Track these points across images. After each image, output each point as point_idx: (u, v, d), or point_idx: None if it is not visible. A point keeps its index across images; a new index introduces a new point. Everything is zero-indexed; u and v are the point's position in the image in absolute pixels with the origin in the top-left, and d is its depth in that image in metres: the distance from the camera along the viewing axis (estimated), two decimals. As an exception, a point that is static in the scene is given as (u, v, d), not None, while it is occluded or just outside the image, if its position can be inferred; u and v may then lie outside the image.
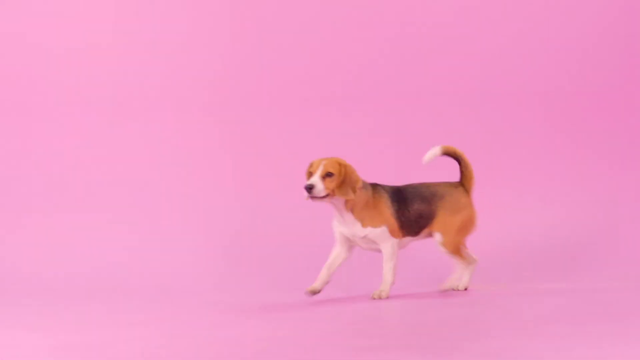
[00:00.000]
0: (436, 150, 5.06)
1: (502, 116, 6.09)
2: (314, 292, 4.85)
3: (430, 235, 5.01)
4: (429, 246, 5.27)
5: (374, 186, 4.88)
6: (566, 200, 6.00)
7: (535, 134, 6.09)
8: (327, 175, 4.73)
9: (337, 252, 4.92)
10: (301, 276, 5.19)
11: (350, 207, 4.81)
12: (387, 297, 4.85)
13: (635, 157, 6.11)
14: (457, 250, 4.98)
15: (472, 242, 5.81)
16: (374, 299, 4.83)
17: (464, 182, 5.06)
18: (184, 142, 5.96)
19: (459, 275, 5.10)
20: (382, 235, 4.84)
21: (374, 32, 6.06)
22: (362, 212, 4.82)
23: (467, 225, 5.01)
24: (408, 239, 4.95)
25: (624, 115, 6.14)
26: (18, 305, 4.85)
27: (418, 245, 5.25)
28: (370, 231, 4.82)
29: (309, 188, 4.70)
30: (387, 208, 4.84)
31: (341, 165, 4.76)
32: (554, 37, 6.12)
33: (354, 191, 4.76)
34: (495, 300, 4.79)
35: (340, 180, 4.73)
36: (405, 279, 5.31)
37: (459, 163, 5.08)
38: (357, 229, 4.84)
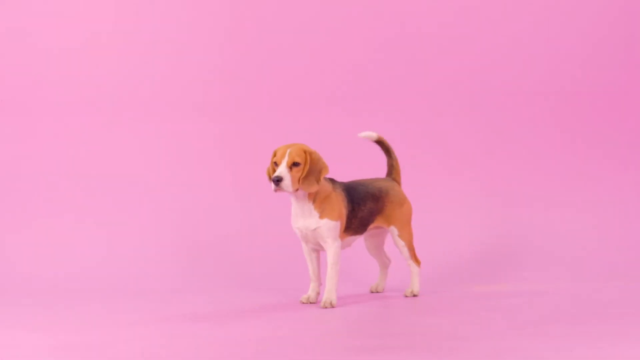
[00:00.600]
0: (373, 134, 5.02)
1: (502, 116, 6.09)
2: (310, 302, 4.85)
3: (376, 229, 4.99)
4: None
5: (332, 182, 4.80)
6: (566, 200, 6.00)
7: (535, 134, 6.08)
8: (293, 164, 4.60)
9: (310, 254, 4.86)
10: (301, 276, 5.19)
11: (313, 198, 4.71)
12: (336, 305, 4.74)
13: (636, 157, 6.11)
14: (411, 241, 4.98)
15: (474, 241, 5.80)
16: (326, 308, 4.68)
17: (394, 176, 5.05)
18: (183, 143, 5.95)
19: (382, 276, 5.16)
20: (334, 230, 4.72)
21: (374, 32, 6.06)
22: (323, 204, 4.71)
23: (410, 217, 5.02)
24: (354, 237, 4.89)
25: (624, 116, 6.13)
26: (18, 305, 4.85)
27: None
28: (326, 223, 4.69)
29: (277, 180, 4.56)
30: (343, 207, 4.77)
31: (306, 153, 4.63)
32: (554, 37, 6.12)
33: (318, 181, 4.64)
34: (495, 300, 4.79)
35: (306, 170, 4.61)
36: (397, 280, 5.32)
37: (389, 156, 5.07)
38: (311, 221, 4.71)
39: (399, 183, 5.06)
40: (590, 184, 6.03)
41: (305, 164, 4.62)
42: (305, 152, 4.63)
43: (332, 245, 4.73)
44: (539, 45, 6.11)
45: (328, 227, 4.71)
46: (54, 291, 5.22)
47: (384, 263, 5.16)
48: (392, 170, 5.07)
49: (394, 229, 4.95)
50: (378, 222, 4.93)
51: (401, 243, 4.96)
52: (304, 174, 4.61)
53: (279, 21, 6.02)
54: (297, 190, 4.63)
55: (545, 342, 3.80)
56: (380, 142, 5.07)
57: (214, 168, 5.93)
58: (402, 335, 4.01)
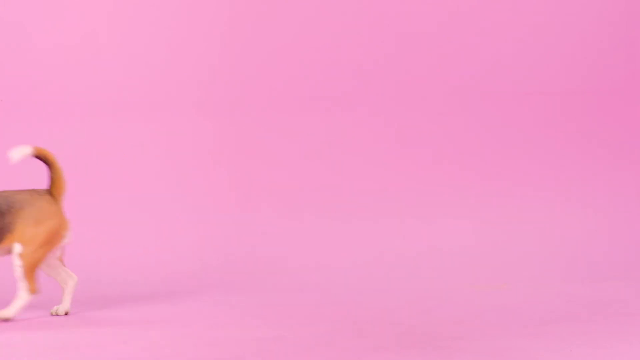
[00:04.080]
0: (27, 150, 4.62)
1: (502, 116, 6.09)
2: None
3: (9, 251, 4.54)
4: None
5: None
6: (566, 200, 6.00)
7: (535, 134, 6.09)
8: None
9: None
10: (301, 276, 5.19)
11: None
12: None
13: (636, 157, 6.11)
14: (32, 266, 4.54)
15: (474, 241, 5.80)
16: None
17: (52, 190, 4.64)
18: (181, 142, 5.96)
19: (67, 295, 4.71)
20: None
21: (375, 31, 6.06)
22: None
23: (52, 238, 4.58)
24: None
25: (624, 116, 6.14)
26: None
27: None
28: None
29: None
30: None
31: None
32: (557, 37, 6.12)
33: None
34: (495, 300, 4.79)
35: None
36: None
37: (50, 168, 4.66)
38: None
39: (56, 198, 4.65)
40: (591, 184, 6.03)
41: None
42: None
43: None
44: (540, 45, 6.12)
45: None
46: (54, 290, 5.22)
47: (65, 280, 4.75)
48: (51, 183, 4.65)
49: (17, 246, 4.48)
50: (10, 240, 4.49)
51: (18, 264, 4.51)
52: None
53: (278, 19, 6.02)
54: None
55: (545, 342, 3.80)
56: (39, 156, 4.67)
57: (213, 168, 5.93)
58: (402, 335, 4.01)
